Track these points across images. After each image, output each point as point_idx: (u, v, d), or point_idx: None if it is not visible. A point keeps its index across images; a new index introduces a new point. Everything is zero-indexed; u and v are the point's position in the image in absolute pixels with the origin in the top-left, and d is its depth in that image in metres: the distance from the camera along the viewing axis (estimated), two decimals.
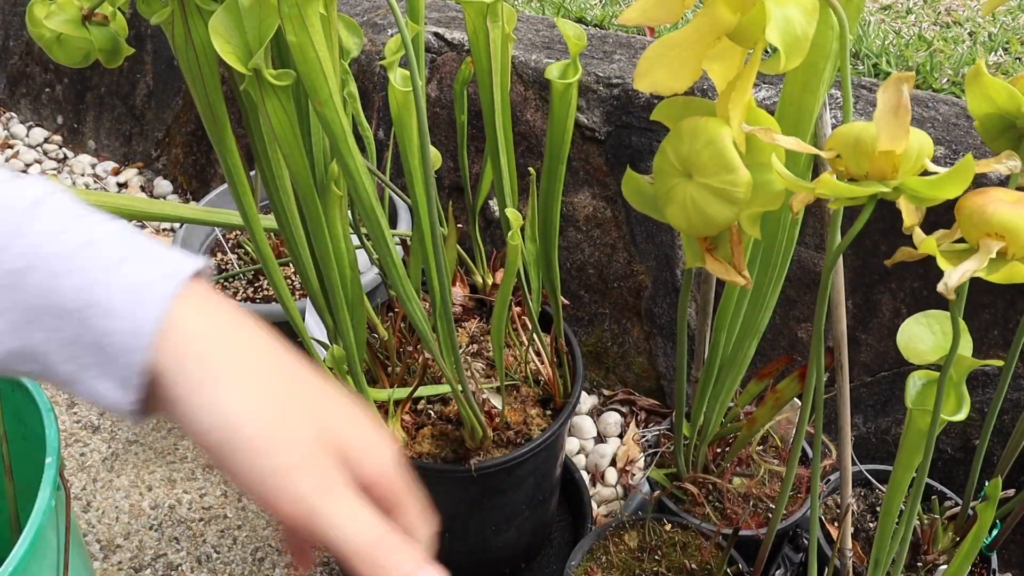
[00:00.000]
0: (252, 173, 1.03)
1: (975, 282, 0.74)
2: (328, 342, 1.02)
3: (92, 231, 0.40)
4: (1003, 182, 1.08)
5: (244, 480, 0.39)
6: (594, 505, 1.36)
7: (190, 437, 0.40)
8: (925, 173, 0.50)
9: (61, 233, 0.40)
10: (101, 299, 0.39)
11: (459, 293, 1.20)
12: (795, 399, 1.07)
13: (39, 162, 2.27)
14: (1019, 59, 1.38)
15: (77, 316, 0.39)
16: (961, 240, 0.53)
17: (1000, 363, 0.72)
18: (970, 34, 1.46)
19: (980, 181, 1.09)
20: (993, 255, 0.49)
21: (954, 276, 0.48)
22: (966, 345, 0.64)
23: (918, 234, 0.53)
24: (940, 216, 0.55)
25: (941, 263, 0.50)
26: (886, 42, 1.41)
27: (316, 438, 0.41)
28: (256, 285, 1.54)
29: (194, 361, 0.39)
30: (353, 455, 0.42)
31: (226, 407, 0.39)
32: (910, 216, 0.53)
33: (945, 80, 1.31)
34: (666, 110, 0.55)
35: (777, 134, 0.50)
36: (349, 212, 1.01)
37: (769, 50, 0.47)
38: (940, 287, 0.48)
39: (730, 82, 0.47)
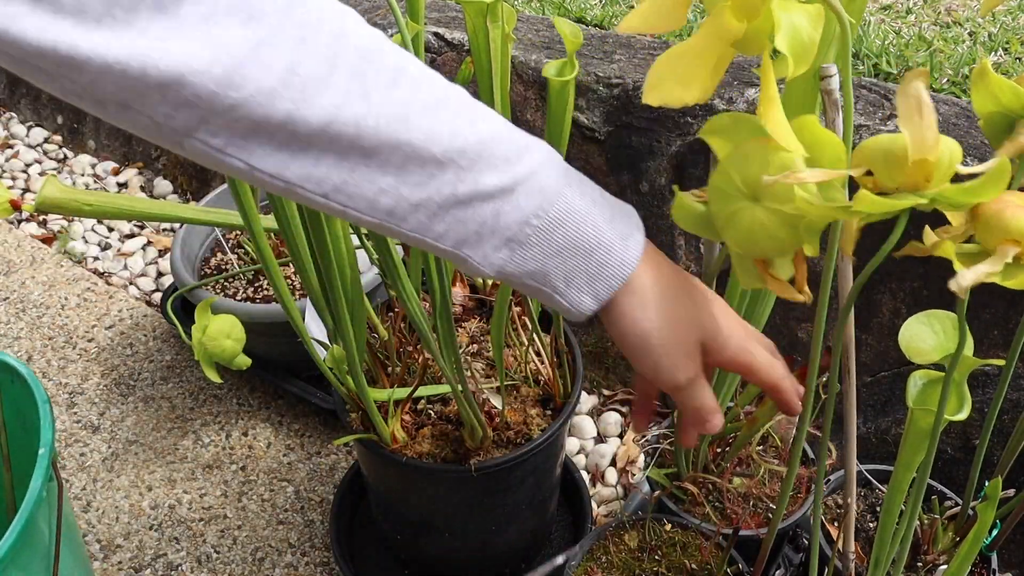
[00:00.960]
0: None
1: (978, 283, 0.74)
2: (328, 342, 1.02)
3: (594, 193, 0.58)
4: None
5: (645, 367, 0.60)
6: (594, 505, 1.36)
7: (615, 337, 0.60)
8: (957, 178, 0.49)
9: (580, 196, 0.57)
10: (605, 243, 0.57)
11: (459, 293, 1.20)
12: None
13: (39, 162, 2.27)
14: (1019, 59, 1.38)
15: (586, 252, 0.57)
16: (970, 240, 0.53)
17: (1001, 363, 0.72)
18: (970, 34, 1.46)
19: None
20: (1009, 260, 0.49)
21: (968, 276, 0.48)
22: (967, 344, 0.64)
23: (929, 233, 0.52)
24: (941, 215, 0.54)
25: (957, 266, 0.49)
26: (886, 42, 1.41)
27: (695, 343, 0.61)
28: (256, 285, 1.54)
29: (640, 292, 0.58)
30: (715, 347, 0.62)
31: (648, 325, 0.59)
32: (955, 217, 0.52)
33: (945, 80, 1.31)
34: (715, 127, 0.53)
35: (802, 172, 0.48)
36: None
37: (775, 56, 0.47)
38: (952, 285, 0.48)
39: (766, 96, 0.45)
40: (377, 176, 0.52)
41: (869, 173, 0.49)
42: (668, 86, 0.46)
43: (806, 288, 0.55)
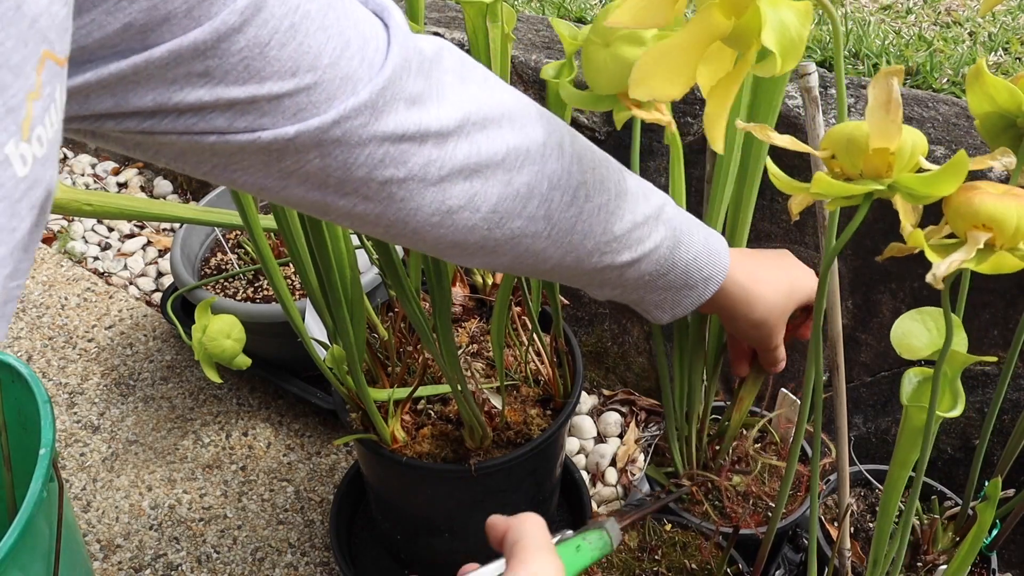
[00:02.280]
0: None
1: (975, 282, 0.75)
2: (328, 342, 1.02)
3: (695, 244, 0.73)
4: (1005, 181, 1.08)
5: (751, 336, 0.81)
6: (594, 505, 1.36)
7: (730, 315, 0.78)
8: (921, 171, 0.51)
9: (685, 251, 0.73)
10: (690, 283, 0.74)
11: (459, 293, 1.20)
12: (794, 397, 1.07)
13: None
14: (1019, 59, 1.38)
15: (675, 290, 0.74)
16: (951, 236, 0.53)
17: (994, 359, 0.73)
18: (970, 34, 1.46)
19: (978, 179, 1.09)
20: (981, 246, 0.50)
21: (942, 267, 0.49)
22: (960, 341, 0.64)
23: (906, 228, 0.53)
24: (937, 217, 0.55)
25: (929, 255, 0.50)
26: (886, 42, 1.41)
27: (787, 309, 0.81)
28: (256, 285, 1.54)
29: (738, 295, 0.76)
30: (801, 301, 0.82)
31: (758, 317, 0.78)
32: (907, 216, 0.54)
33: (945, 80, 1.31)
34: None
35: (772, 132, 0.51)
36: None
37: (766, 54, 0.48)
38: (928, 277, 0.49)
39: (720, 79, 0.47)
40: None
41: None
42: (655, 81, 0.46)
43: (665, 110, 0.69)
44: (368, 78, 0.50)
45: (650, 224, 0.69)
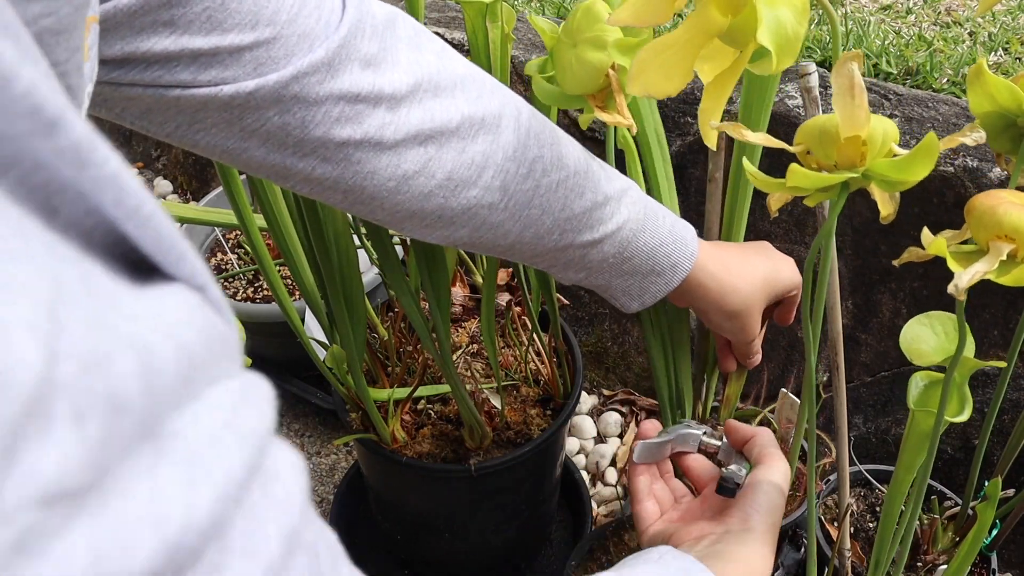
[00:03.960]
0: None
1: (975, 283, 0.74)
2: (328, 342, 1.02)
3: (661, 230, 0.72)
4: (1003, 182, 1.08)
5: (726, 328, 0.78)
6: (594, 505, 1.36)
7: (703, 307, 0.76)
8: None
9: (651, 236, 0.72)
10: (657, 269, 0.73)
11: (459, 293, 1.20)
12: (795, 397, 1.07)
13: None
14: (1019, 59, 1.38)
15: (641, 275, 0.73)
16: (968, 241, 0.53)
17: (1002, 364, 0.73)
18: (970, 34, 1.46)
19: (981, 182, 1.09)
20: (1003, 257, 0.50)
21: (964, 277, 0.48)
22: (969, 346, 0.64)
23: (927, 235, 0.53)
24: (941, 216, 0.55)
25: (951, 264, 0.50)
26: (886, 42, 1.41)
27: (763, 301, 0.78)
28: (256, 285, 1.54)
29: (709, 284, 0.74)
30: (779, 293, 0.80)
31: (733, 303, 0.75)
32: (885, 205, 0.54)
33: (945, 80, 1.31)
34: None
35: (746, 130, 0.51)
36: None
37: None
38: (950, 288, 0.48)
39: (717, 76, 0.47)
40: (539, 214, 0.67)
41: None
42: (651, 76, 0.46)
43: (628, 115, 0.67)
44: (324, 36, 0.53)
45: (612, 205, 0.69)
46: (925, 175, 0.50)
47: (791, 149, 0.52)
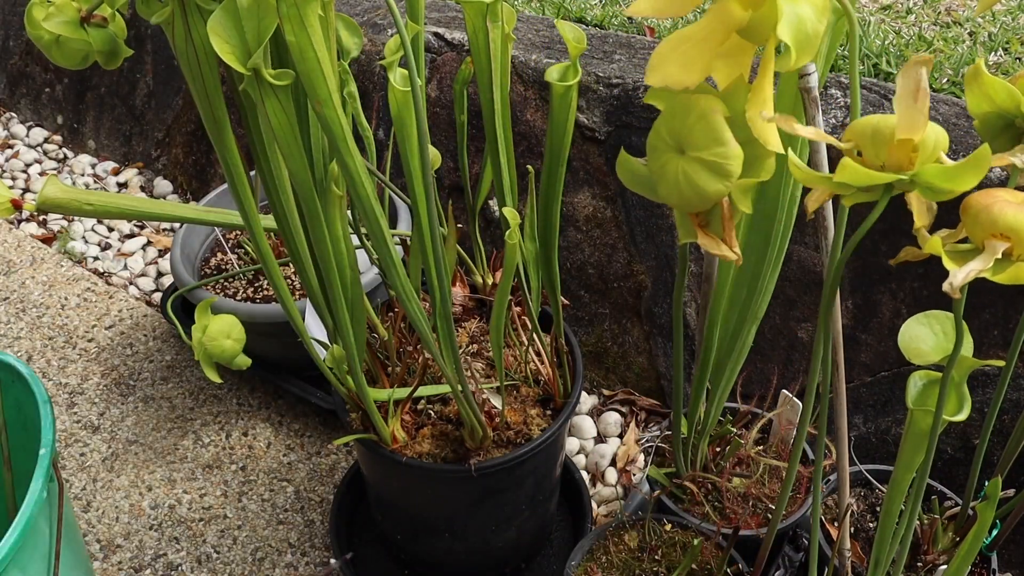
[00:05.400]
0: (252, 173, 1.03)
1: (975, 282, 0.74)
2: (328, 342, 1.02)
3: None
4: (1003, 182, 1.08)
5: None
6: (594, 505, 1.36)
7: None
8: None
9: None
10: None
11: (459, 293, 1.20)
12: (796, 400, 1.07)
13: (39, 162, 2.28)
14: (1019, 59, 1.38)
15: None
16: (964, 240, 0.53)
17: (1001, 363, 0.72)
18: (970, 34, 1.46)
19: (981, 181, 1.09)
20: (999, 255, 0.50)
21: (959, 276, 0.48)
22: (967, 345, 0.64)
23: (923, 234, 0.53)
24: (939, 217, 0.54)
25: (947, 263, 0.50)
26: (886, 42, 1.41)
27: None
28: (256, 285, 1.54)
29: None
30: None
31: None
32: (921, 216, 0.53)
33: (945, 80, 1.31)
34: (660, 93, 0.55)
35: (797, 124, 0.50)
36: (349, 212, 1.01)
37: (782, 48, 0.48)
38: (945, 286, 0.48)
39: (739, 76, 0.47)
40: None
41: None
42: (670, 68, 0.46)
43: (736, 246, 0.56)
44: None
45: None
46: (973, 186, 0.50)
47: (840, 146, 0.51)
